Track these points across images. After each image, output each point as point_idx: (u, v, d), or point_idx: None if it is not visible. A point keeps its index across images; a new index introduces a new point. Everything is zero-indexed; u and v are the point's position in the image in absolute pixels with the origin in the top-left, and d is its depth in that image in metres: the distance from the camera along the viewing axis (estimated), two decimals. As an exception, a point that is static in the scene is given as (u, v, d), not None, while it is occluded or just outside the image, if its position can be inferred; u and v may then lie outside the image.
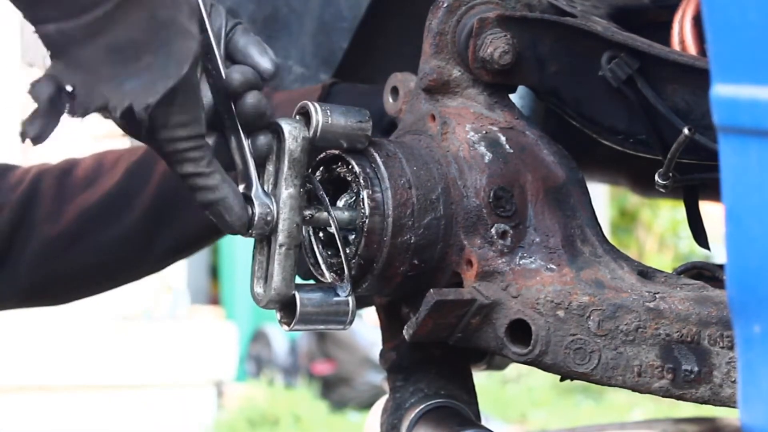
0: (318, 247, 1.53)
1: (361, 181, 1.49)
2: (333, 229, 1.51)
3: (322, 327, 1.53)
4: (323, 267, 1.53)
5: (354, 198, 1.51)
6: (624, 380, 1.48)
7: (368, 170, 1.50)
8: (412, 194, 1.51)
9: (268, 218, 1.46)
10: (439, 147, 1.55)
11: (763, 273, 1.13)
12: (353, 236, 1.51)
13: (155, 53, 1.35)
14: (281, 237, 1.46)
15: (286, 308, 1.50)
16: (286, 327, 1.51)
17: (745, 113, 1.14)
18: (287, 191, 1.46)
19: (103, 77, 1.35)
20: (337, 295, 1.51)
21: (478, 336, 1.51)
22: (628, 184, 2.52)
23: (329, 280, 1.52)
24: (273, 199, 1.47)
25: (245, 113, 1.46)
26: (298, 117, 1.50)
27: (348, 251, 1.50)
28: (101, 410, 7.23)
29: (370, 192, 1.49)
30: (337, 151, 1.52)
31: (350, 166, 1.51)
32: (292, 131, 1.47)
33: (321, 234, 1.54)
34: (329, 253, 1.53)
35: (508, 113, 1.59)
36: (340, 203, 1.52)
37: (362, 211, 1.49)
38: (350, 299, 1.51)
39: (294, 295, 1.48)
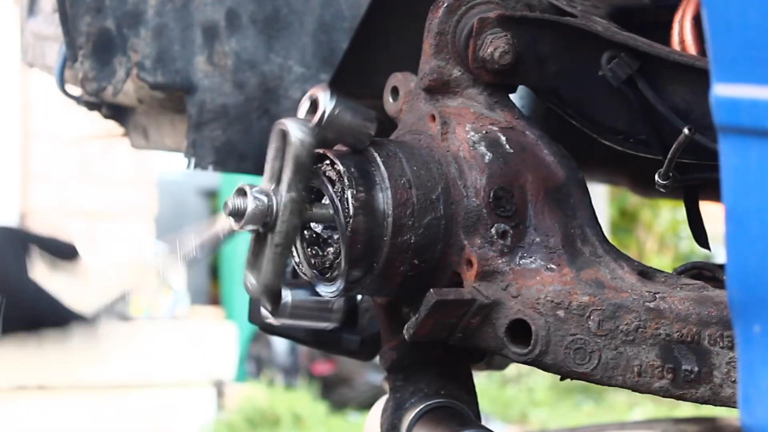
0: (303, 245, 1.53)
1: (346, 180, 1.49)
2: (318, 229, 1.52)
3: (309, 323, 1.55)
4: (305, 265, 1.53)
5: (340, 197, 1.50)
6: (624, 380, 1.48)
7: (353, 169, 1.50)
8: (413, 194, 1.50)
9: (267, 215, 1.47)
10: (439, 147, 1.55)
11: (763, 273, 1.13)
12: (337, 236, 1.51)
13: None
14: (278, 237, 1.46)
15: (276, 303, 1.51)
16: (274, 321, 1.53)
17: (745, 113, 1.14)
18: (289, 194, 1.46)
19: None
20: (318, 294, 1.52)
21: (478, 336, 1.51)
22: (628, 184, 2.52)
23: (308, 277, 1.53)
24: (275, 197, 1.47)
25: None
26: (305, 116, 1.49)
27: (332, 250, 1.50)
28: (101, 410, 7.22)
29: (355, 191, 1.48)
30: (322, 150, 1.52)
31: (335, 165, 1.50)
32: (298, 135, 1.46)
33: (306, 232, 1.54)
34: (313, 252, 1.53)
35: (509, 113, 1.59)
36: (325, 200, 1.52)
37: (346, 210, 1.49)
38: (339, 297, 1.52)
39: (283, 289, 1.50)
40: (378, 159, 1.51)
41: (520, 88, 1.66)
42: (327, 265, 1.51)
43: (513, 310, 1.49)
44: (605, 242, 1.54)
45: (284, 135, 1.47)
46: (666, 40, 1.58)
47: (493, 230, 1.51)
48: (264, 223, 1.46)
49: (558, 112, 1.61)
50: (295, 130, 1.46)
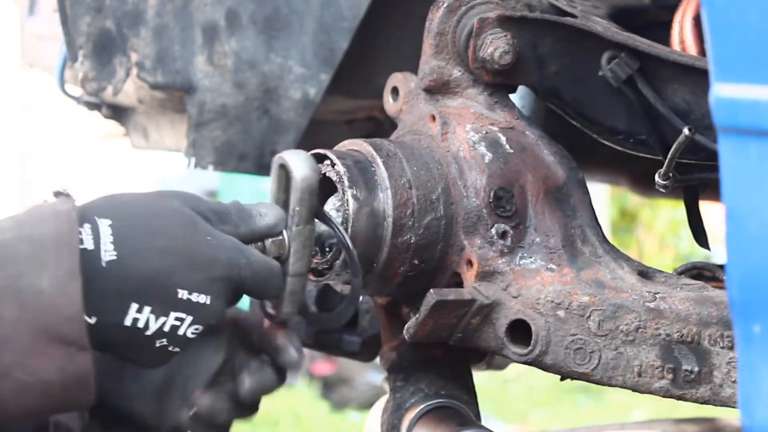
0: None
1: (346, 180, 1.48)
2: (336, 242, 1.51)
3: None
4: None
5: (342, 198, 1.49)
6: (624, 380, 1.48)
7: (353, 170, 1.49)
8: (413, 194, 1.50)
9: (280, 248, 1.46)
10: (439, 147, 1.55)
11: (763, 273, 1.13)
12: (334, 240, 1.50)
13: None
14: (293, 269, 1.45)
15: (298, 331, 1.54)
16: None
17: (745, 113, 1.14)
18: (298, 228, 1.44)
19: None
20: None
21: (478, 336, 1.51)
22: (628, 184, 2.52)
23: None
24: (285, 231, 1.45)
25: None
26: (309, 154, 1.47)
27: (333, 250, 1.50)
28: (101, 410, 7.22)
29: (355, 192, 1.48)
30: (323, 150, 1.51)
31: (335, 166, 1.50)
32: (300, 168, 1.44)
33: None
34: (312, 253, 1.52)
35: (509, 113, 1.59)
36: (327, 206, 1.51)
37: (347, 211, 1.48)
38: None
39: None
40: (378, 159, 1.51)
41: (520, 88, 1.66)
42: (327, 266, 1.51)
43: (513, 310, 1.49)
44: (605, 242, 1.54)
45: (286, 170, 1.45)
46: (666, 40, 1.58)
47: (493, 230, 1.51)
48: (277, 257, 1.45)
49: (558, 112, 1.61)
50: (297, 164, 1.44)
